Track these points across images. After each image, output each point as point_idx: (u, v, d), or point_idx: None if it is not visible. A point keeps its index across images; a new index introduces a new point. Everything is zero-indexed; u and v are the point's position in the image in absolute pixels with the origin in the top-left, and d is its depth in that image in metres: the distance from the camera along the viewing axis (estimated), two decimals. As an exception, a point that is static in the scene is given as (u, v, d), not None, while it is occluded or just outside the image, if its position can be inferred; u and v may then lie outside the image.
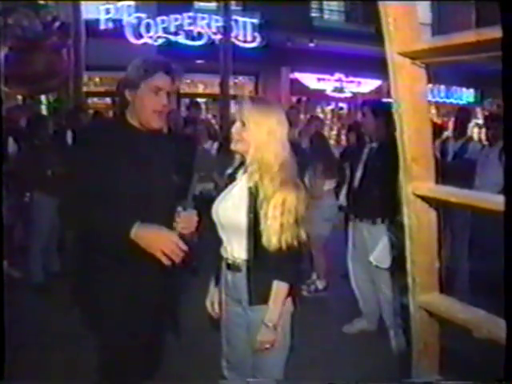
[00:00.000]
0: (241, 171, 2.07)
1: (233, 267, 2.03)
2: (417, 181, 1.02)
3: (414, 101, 0.99)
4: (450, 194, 0.99)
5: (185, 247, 1.87)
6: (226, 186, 2.11)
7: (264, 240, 1.89)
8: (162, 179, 2.01)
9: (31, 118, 4.96)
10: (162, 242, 1.84)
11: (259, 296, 1.97)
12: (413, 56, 0.96)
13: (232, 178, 2.10)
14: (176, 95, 2.26)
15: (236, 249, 2.01)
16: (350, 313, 3.97)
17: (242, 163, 2.07)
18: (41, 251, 4.52)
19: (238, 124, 1.97)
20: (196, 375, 2.97)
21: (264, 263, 1.93)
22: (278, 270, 1.94)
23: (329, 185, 4.59)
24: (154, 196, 1.95)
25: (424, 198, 1.05)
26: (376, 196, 3.42)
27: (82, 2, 9.83)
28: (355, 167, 3.71)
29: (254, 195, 1.93)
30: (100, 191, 1.85)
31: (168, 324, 2.19)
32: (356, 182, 3.67)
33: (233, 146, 2.00)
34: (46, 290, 4.29)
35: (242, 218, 1.94)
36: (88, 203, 1.86)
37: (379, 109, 3.53)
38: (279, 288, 1.95)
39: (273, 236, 1.88)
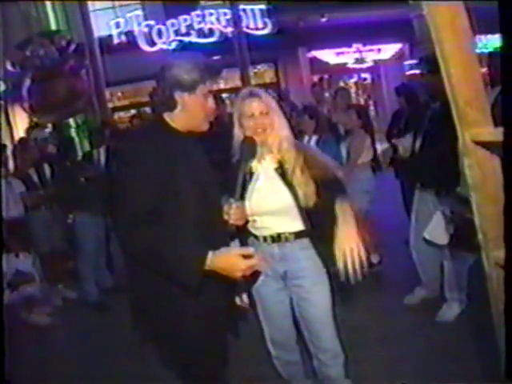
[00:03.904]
0: (254, 162, 2.13)
1: (280, 240, 2.11)
2: (474, 127, 0.92)
3: (457, 37, 0.88)
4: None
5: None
6: (246, 180, 2.10)
7: (308, 202, 2.05)
8: (211, 180, 1.96)
9: (59, 144, 5.12)
10: (240, 266, 1.78)
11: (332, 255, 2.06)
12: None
13: (250, 173, 2.13)
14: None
15: (282, 225, 2.11)
16: (408, 283, 3.82)
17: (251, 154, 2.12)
18: (91, 269, 4.58)
19: (257, 116, 2.06)
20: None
21: (321, 226, 2.06)
22: (336, 190, 2.09)
23: (364, 158, 4.44)
24: (208, 199, 1.89)
25: (484, 146, 0.94)
26: (438, 163, 3.06)
27: (93, 20, 9.95)
28: (416, 131, 3.42)
29: (281, 173, 2.09)
30: (157, 205, 1.74)
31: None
32: (417, 148, 3.38)
33: (259, 138, 2.08)
34: (103, 307, 4.34)
35: (285, 197, 2.07)
36: (148, 224, 1.73)
37: (437, 64, 3.19)
38: (343, 205, 2.08)
39: (313, 195, 2.05)
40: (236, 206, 1.93)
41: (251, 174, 2.14)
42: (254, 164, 2.14)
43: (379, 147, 4.86)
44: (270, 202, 2.10)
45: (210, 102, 1.89)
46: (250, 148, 2.06)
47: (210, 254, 1.73)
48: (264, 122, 2.07)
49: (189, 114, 1.85)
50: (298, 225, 2.10)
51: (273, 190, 2.10)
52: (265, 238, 2.14)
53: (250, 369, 2.84)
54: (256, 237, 2.16)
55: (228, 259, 1.76)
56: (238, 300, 2.22)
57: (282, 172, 2.10)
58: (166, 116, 1.87)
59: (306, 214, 2.08)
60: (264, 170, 2.14)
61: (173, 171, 1.79)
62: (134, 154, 1.81)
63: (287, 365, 2.31)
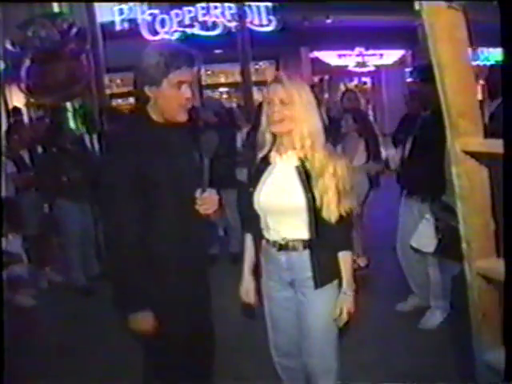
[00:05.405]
0: (273, 153, 2.02)
1: (287, 248, 1.99)
2: (465, 136, 0.93)
3: (455, 49, 0.89)
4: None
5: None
6: (261, 171, 2.03)
7: (325, 214, 1.91)
8: (190, 170, 1.99)
9: (49, 127, 5.08)
10: None
11: (327, 275, 1.99)
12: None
13: (266, 163, 2.03)
14: (198, 83, 2.14)
15: (289, 230, 1.98)
16: (396, 290, 3.83)
17: (273, 145, 2.02)
18: (79, 255, 4.57)
19: (276, 104, 1.90)
20: (248, 367, 2.94)
21: (325, 239, 1.95)
22: (342, 241, 2.00)
23: (357, 161, 4.44)
24: (184, 188, 1.94)
25: (473, 156, 0.96)
26: (425, 171, 3.12)
27: (96, 6, 9.89)
28: (406, 137, 3.46)
29: (303, 173, 1.94)
30: (134, 193, 1.81)
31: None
32: (406, 154, 3.43)
33: (274, 128, 1.95)
34: (89, 291, 4.35)
35: (297, 198, 1.93)
36: (126, 209, 1.81)
37: (430, 73, 3.17)
38: (346, 257, 2.01)
39: (334, 208, 1.91)
40: (203, 196, 1.93)
41: (266, 164, 2.02)
42: (272, 154, 2.02)
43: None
44: (281, 201, 1.96)
45: (184, 91, 1.86)
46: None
47: None
48: (283, 112, 1.89)
49: (161, 106, 1.88)
50: (305, 233, 1.96)
51: (287, 189, 1.95)
52: (274, 244, 2.02)
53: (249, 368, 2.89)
54: (267, 240, 2.04)
55: None
56: (244, 296, 2.18)
57: (302, 172, 1.93)
58: (148, 107, 1.92)
59: (315, 223, 1.94)
60: (283, 164, 1.99)
61: (149, 160, 1.83)
62: (116, 140, 1.94)
63: (288, 370, 2.22)
